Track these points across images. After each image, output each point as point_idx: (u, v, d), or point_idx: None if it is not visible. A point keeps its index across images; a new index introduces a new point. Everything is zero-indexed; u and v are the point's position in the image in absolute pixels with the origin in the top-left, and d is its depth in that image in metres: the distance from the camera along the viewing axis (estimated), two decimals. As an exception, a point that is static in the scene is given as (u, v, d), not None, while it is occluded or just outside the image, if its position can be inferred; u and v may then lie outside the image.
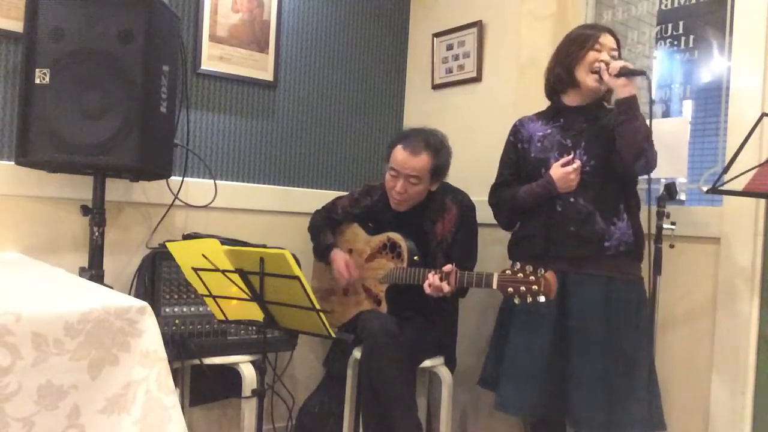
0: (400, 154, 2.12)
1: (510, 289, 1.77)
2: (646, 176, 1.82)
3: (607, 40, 1.87)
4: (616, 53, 1.86)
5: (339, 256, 2.28)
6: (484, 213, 2.30)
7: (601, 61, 1.81)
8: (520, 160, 2.00)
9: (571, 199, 1.86)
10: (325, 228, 2.39)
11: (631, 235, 1.83)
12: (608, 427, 1.76)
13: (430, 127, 2.22)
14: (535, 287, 1.73)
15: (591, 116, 1.90)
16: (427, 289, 1.95)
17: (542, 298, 1.72)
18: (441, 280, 1.93)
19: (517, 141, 2.02)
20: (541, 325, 1.87)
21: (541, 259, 1.90)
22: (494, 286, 1.82)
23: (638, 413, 1.77)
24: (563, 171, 1.84)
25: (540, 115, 2.01)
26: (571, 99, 1.93)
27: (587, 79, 1.85)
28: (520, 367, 1.88)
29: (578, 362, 1.81)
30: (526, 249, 1.96)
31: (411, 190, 2.13)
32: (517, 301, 1.77)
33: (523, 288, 1.75)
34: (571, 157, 1.86)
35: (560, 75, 1.91)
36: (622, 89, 1.76)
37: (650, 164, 1.76)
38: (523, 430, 2.38)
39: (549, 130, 1.95)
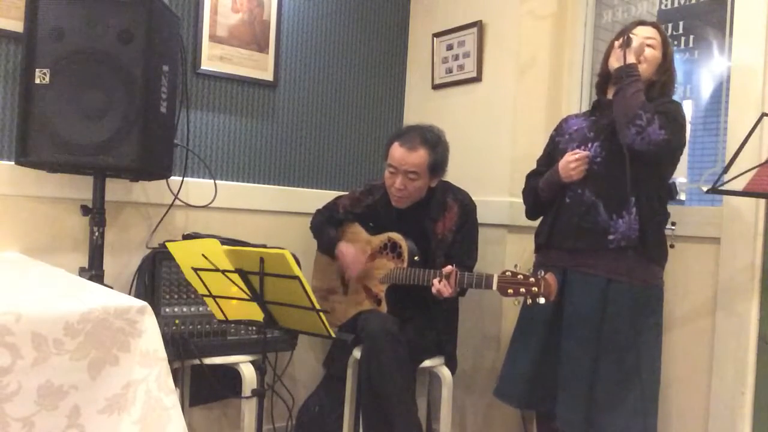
0: (397, 150, 2.12)
1: (510, 291, 1.77)
2: (644, 150, 1.71)
3: (641, 30, 1.86)
4: (652, 41, 1.85)
5: (347, 249, 2.27)
6: (484, 213, 2.30)
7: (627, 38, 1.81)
8: (553, 153, 2.03)
9: (579, 191, 1.86)
10: (328, 224, 2.39)
11: (637, 230, 1.77)
12: (588, 430, 1.75)
13: (427, 123, 2.22)
14: (534, 289, 1.73)
15: None
16: (435, 294, 1.96)
17: (542, 300, 1.73)
18: (439, 282, 1.94)
19: (556, 135, 2.06)
20: (538, 321, 1.91)
21: (545, 249, 1.92)
22: (494, 287, 1.83)
23: (625, 424, 1.74)
24: (564, 159, 1.86)
25: (585, 112, 2.05)
26: (610, 92, 1.93)
27: (613, 64, 1.84)
28: (516, 359, 1.96)
29: (565, 363, 1.83)
30: (537, 240, 2.02)
31: (410, 186, 2.13)
32: (516, 303, 1.78)
33: (522, 289, 1.75)
34: (585, 152, 1.86)
35: (601, 70, 1.95)
36: (622, 61, 1.77)
37: (647, 135, 1.68)
38: (523, 429, 2.38)
39: (584, 124, 1.96)
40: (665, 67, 1.87)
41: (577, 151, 1.87)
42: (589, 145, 1.88)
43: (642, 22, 1.92)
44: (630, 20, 2.36)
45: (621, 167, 1.76)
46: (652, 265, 1.83)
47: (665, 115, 1.72)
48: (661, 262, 1.86)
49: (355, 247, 2.28)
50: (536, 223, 2.09)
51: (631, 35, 1.80)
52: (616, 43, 1.84)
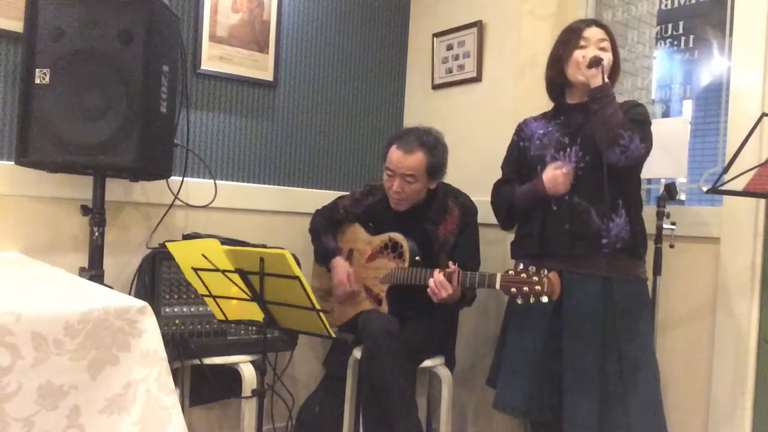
0: (394, 153, 2.12)
1: (513, 290, 1.77)
2: (627, 165, 1.75)
3: (591, 32, 1.86)
4: (605, 43, 1.85)
5: (341, 267, 2.27)
6: (484, 213, 2.30)
7: (583, 56, 1.82)
8: (521, 158, 2.02)
9: (566, 197, 1.86)
10: (326, 231, 2.38)
11: (629, 231, 1.81)
12: (601, 431, 1.75)
13: (426, 125, 2.22)
14: (538, 288, 1.73)
15: (590, 112, 1.89)
16: (432, 286, 1.95)
17: (545, 299, 1.72)
18: (442, 274, 1.94)
19: (519, 140, 2.04)
20: (536, 325, 1.88)
21: (537, 258, 1.91)
22: (497, 286, 1.82)
23: (638, 419, 1.74)
24: (552, 173, 1.85)
25: (545, 115, 2.03)
26: (571, 97, 1.94)
27: (577, 76, 1.85)
28: (514, 368, 1.92)
29: (571, 364, 1.81)
30: (524, 248, 1.98)
31: (408, 189, 2.13)
32: (519, 301, 1.77)
33: (526, 288, 1.74)
34: (566, 163, 1.86)
35: (553, 78, 1.93)
36: (593, 80, 1.77)
37: (630, 153, 1.72)
38: (524, 429, 2.38)
39: (549, 128, 1.95)
40: (616, 63, 1.89)
41: (560, 163, 1.86)
42: (568, 151, 1.88)
43: (590, 22, 1.92)
44: (630, 20, 2.37)
45: (607, 170, 1.78)
46: (640, 261, 1.87)
47: (639, 124, 1.76)
48: (643, 258, 1.88)
49: (351, 255, 2.27)
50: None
51: (597, 55, 1.79)
52: (579, 58, 1.81)
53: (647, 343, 1.82)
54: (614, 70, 1.88)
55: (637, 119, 1.78)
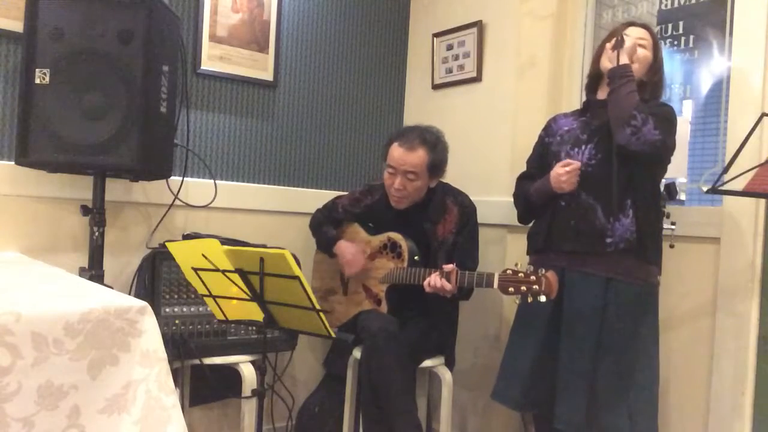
0: (396, 150, 2.12)
1: (511, 289, 1.77)
2: (639, 151, 1.71)
3: (633, 31, 1.87)
4: (643, 42, 1.86)
5: (345, 248, 2.27)
6: (483, 213, 2.30)
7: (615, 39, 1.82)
8: (544, 154, 2.02)
9: (575, 194, 1.85)
10: (326, 223, 2.39)
11: (634, 232, 1.77)
12: (587, 430, 1.75)
13: (426, 124, 2.22)
14: (536, 287, 1.73)
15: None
16: (427, 288, 1.96)
17: (543, 298, 1.73)
18: (440, 277, 1.94)
19: (545, 135, 2.05)
20: (536, 322, 1.90)
21: (542, 252, 1.92)
22: (495, 285, 1.82)
23: (626, 424, 1.74)
24: (556, 171, 1.85)
25: (575, 112, 2.04)
26: (601, 93, 1.94)
27: (604, 63, 1.85)
28: (514, 361, 1.94)
29: (565, 362, 1.82)
30: (532, 243, 2.00)
31: (409, 187, 2.13)
32: (517, 301, 1.78)
33: (523, 288, 1.75)
34: (574, 161, 1.86)
35: (591, 70, 1.95)
36: (615, 61, 1.78)
37: (642, 136, 1.69)
38: (523, 429, 2.38)
39: (574, 125, 1.96)
40: (656, 68, 1.88)
41: (568, 161, 1.86)
42: (583, 147, 1.88)
43: (633, 23, 1.92)
44: (630, 20, 2.36)
45: (618, 168, 1.77)
46: (650, 266, 1.84)
47: (658, 116, 1.74)
48: (658, 261, 1.86)
49: (355, 246, 2.28)
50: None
51: (623, 36, 1.81)
52: (608, 45, 1.84)
53: (647, 348, 1.80)
54: (653, 73, 1.87)
55: (657, 113, 1.75)
